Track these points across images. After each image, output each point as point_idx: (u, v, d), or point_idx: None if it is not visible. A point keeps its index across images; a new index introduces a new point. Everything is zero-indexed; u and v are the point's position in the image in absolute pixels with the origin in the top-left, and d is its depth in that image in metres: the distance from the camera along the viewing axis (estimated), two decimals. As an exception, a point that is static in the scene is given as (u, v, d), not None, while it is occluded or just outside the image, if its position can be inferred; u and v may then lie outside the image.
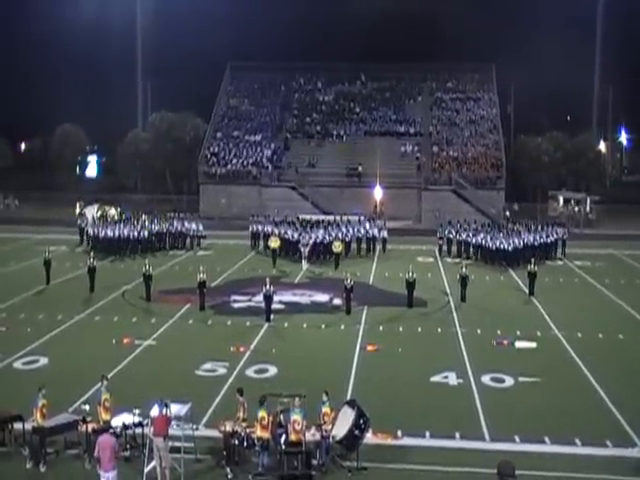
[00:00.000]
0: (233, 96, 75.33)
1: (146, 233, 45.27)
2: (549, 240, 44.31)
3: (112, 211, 51.83)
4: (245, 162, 66.41)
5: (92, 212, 51.44)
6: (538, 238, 43.41)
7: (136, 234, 44.74)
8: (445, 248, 45.75)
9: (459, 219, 47.85)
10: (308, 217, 54.11)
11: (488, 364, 23.99)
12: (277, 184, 64.08)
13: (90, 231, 46.19)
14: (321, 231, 44.17)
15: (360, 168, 63.58)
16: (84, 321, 29.27)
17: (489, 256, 42.37)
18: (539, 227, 45.61)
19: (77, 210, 53.73)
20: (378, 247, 46.53)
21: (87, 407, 17.72)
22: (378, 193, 61.25)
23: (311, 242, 42.45)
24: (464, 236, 44.67)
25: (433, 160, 65.53)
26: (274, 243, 42.80)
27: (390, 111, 72.30)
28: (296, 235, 43.73)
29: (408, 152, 66.65)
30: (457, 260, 42.77)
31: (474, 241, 43.76)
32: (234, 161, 66.56)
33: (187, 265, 41.34)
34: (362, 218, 50.84)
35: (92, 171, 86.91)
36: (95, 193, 67.63)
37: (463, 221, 47.14)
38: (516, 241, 41.89)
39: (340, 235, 44.19)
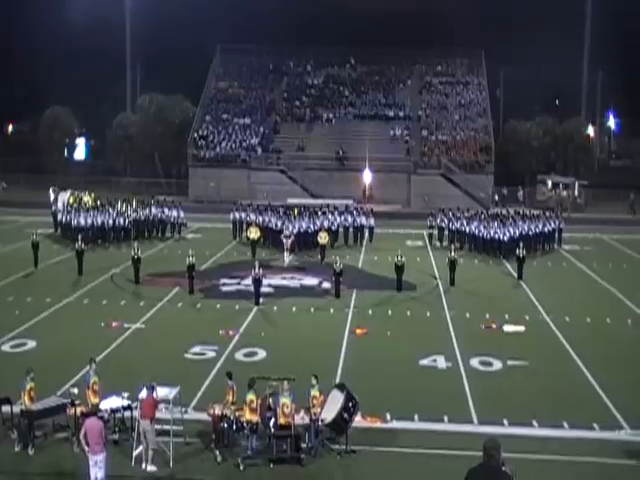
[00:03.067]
0: (222, 79, 74.92)
1: (122, 221, 43.06)
2: (546, 229, 42.55)
3: (86, 197, 48.73)
4: (234, 145, 66.19)
5: (63, 198, 48.32)
6: (534, 228, 41.53)
7: (111, 222, 42.51)
8: (436, 233, 44.15)
9: (451, 207, 46.04)
10: (297, 201, 54.00)
11: (476, 348, 24.03)
12: (266, 167, 63.92)
13: (61, 218, 44.04)
14: (305, 220, 41.71)
15: (341, 152, 63.44)
16: (72, 304, 29.15)
17: (483, 246, 40.71)
18: (535, 215, 43.92)
19: (51, 196, 50.44)
20: (366, 236, 44.45)
21: (76, 390, 17.62)
22: (367, 177, 61.17)
23: (294, 232, 39.71)
24: (457, 225, 42.70)
25: (422, 144, 65.46)
26: (253, 234, 39.77)
27: (379, 95, 72.13)
28: (279, 224, 41.16)
29: (397, 136, 66.55)
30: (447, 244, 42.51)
31: (467, 230, 41.93)
32: (223, 144, 66.32)
33: (176, 249, 41.19)
34: (350, 203, 50.21)
35: (80, 154, 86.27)
36: (83, 176, 67.40)
37: (456, 209, 45.05)
38: (511, 230, 39.90)
39: (326, 224, 41.76)
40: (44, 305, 28.58)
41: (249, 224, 42.05)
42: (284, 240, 38.47)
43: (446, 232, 43.68)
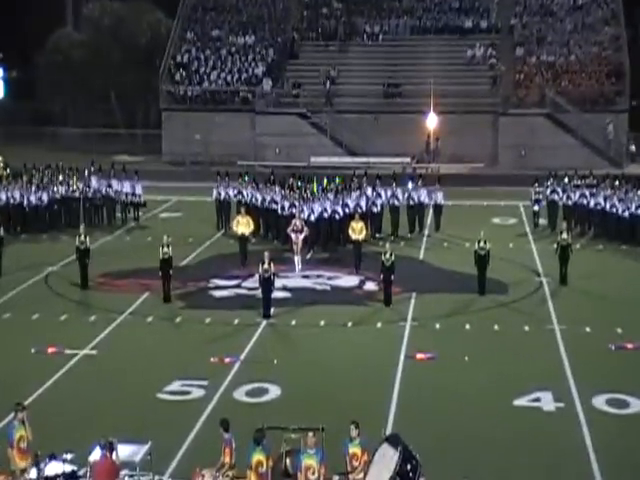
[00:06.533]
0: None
1: (45, 198, 42.22)
2: None
3: None
4: (230, 78, 66.34)
5: None
6: None
7: (33, 200, 41.74)
8: (544, 208, 43.34)
9: (567, 171, 44.54)
10: (324, 159, 54.08)
11: (603, 380, 23.99)
12: (278, 110, 64.00)
13: None
14: (330, 198, 39.34)
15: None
16: (-13, 320, 29.49)
17: (616, 229, 39.69)
18: None
19: None
20: (428, 221, 43.22)
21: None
22: (432, 121, 60.98)
23: (312, 219, 37.78)
24: (576, 197, 41.71)
25: (516, 69, 65.28)
26: (242, 227, 36.09)
27: (451, -4, 72.05)
28: (287, 205, 38.71)
29: (478, 58, 66.40)
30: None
31: (592, 205, 40.98)
32: (213, 76, 66.50)
33: (143, 235, 41.43)
34: (405, 163, 49.69)
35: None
36: (1, 126, 67.93)
37: (574, 173, 43.91)
38: None
39: (363, 205, 39.63)
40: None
41: (241, 206, 39.47)
42: (293, 236, 35.84)
43: (560, 208, 42.76)
